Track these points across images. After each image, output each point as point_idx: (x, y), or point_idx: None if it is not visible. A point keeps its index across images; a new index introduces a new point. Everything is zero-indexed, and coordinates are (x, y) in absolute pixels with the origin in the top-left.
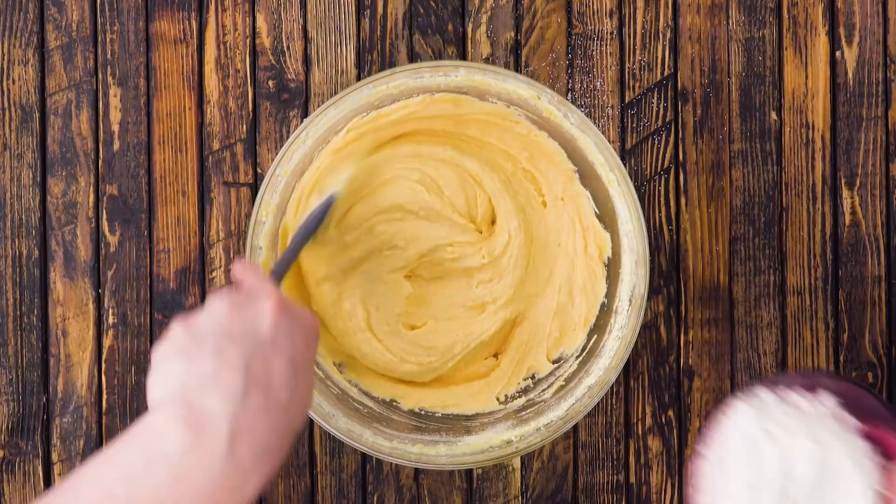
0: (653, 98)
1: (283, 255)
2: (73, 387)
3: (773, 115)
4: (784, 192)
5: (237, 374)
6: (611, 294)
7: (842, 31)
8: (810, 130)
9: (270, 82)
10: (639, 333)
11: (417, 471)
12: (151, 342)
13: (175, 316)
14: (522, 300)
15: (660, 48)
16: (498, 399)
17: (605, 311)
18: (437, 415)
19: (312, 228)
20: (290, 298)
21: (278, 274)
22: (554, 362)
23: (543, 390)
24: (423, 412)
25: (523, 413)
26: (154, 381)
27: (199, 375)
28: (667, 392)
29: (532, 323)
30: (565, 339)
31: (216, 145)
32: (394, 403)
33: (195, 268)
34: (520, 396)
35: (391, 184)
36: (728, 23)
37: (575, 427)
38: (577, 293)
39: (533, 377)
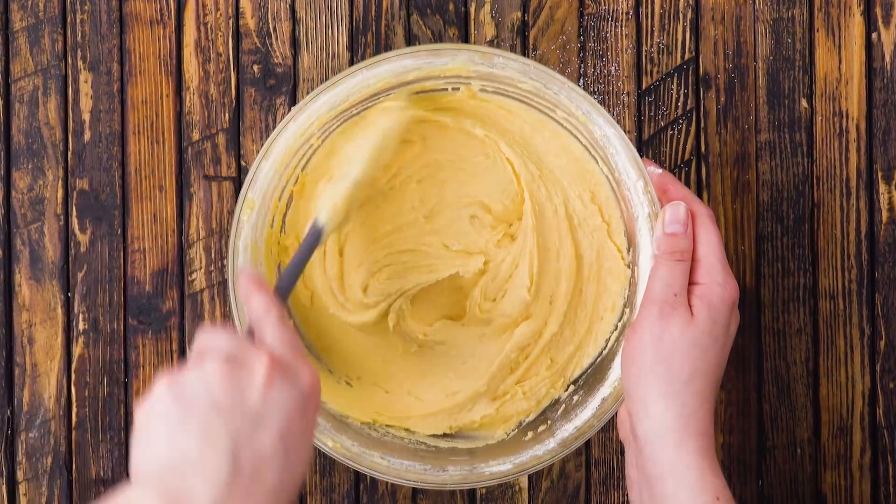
0: (672, 84)
1: (287, 271)
2: (39, 399)
3: (804, 103)
4: (815, 187)
5: (222, 459)
6: (627, 299)
7: (878, 10)
8: (844, 119)
9: (255, 67)
10: None
11: (416, 490)
12: (125, 350)
13: (151, 320)
14: (540, 315)
15: (680, 29)
16: (507, 432)
17: (620, 316)
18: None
19: (312, 246)
20: (288, 354)
21: (283, 291)
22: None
23: (554, 404)
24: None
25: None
26: (137, 448)
27: (182, 454)
28: None
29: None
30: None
31: (196, 136)
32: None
33: (173, 269)
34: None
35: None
36: (754, 2)
37: (587, 443)
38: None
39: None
